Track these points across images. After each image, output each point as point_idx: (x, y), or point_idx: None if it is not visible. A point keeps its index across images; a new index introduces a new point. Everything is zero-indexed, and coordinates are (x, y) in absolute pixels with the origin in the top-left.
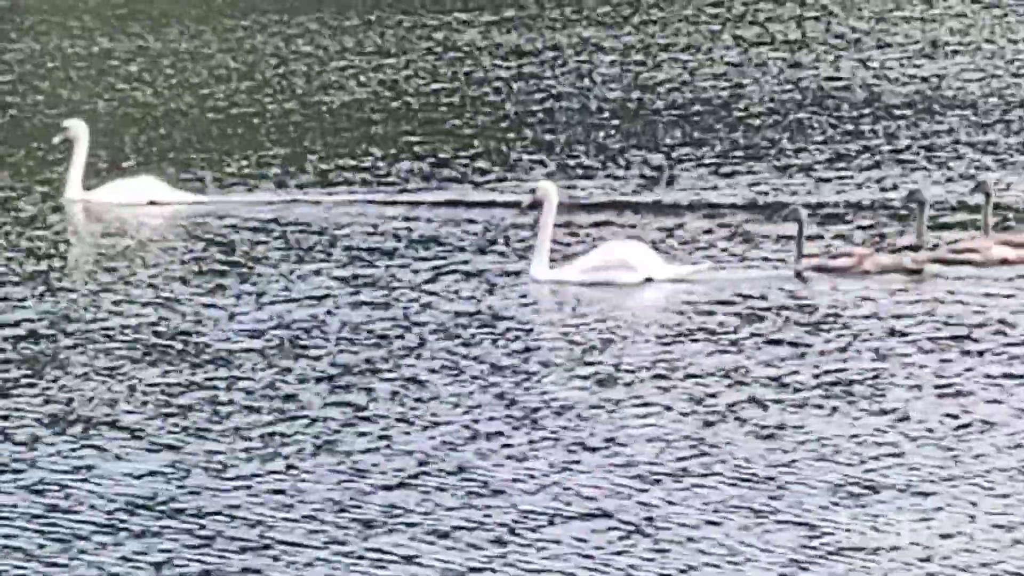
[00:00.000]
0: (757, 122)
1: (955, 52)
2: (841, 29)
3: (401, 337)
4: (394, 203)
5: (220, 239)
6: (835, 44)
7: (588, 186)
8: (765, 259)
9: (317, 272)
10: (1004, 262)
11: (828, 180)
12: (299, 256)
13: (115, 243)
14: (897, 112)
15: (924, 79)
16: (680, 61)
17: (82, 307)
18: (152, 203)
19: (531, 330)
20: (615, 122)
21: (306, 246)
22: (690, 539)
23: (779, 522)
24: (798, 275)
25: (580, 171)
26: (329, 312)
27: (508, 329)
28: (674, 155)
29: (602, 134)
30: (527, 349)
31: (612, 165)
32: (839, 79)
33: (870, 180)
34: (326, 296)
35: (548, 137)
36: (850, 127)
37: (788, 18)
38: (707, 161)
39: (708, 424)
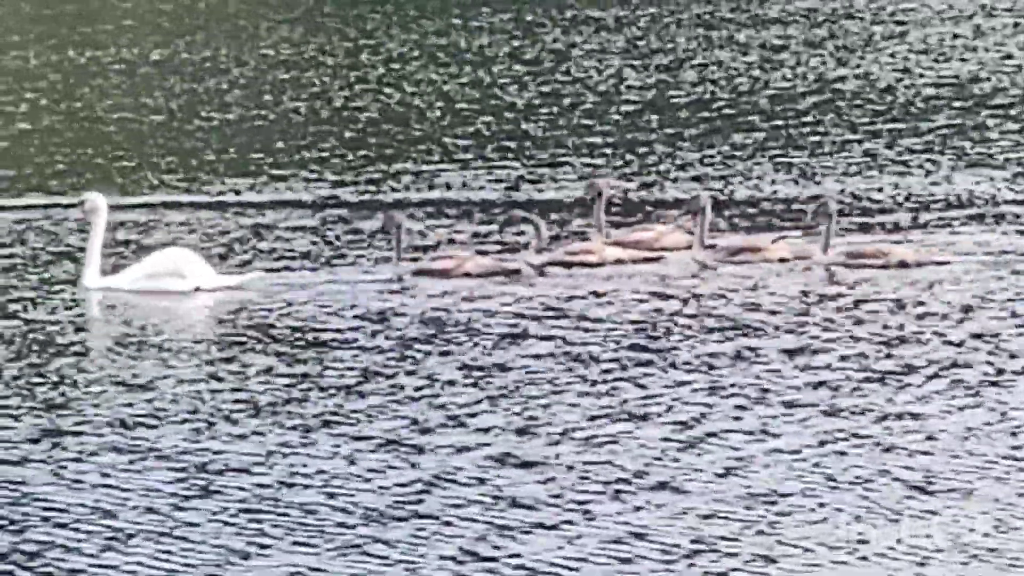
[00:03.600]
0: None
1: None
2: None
3: None
4: None
5: None
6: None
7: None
8: (373, 262)
9: None
10: (619, 262)
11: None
12: None
13: None
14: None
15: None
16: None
17: None
18: None
19: (78, 339)
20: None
21: None
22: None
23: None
24: (398, 279)
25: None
26: None
27: (56, 338)
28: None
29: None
30: (74, 357)
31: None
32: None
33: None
34: None
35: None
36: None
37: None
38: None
39: (241, 437)
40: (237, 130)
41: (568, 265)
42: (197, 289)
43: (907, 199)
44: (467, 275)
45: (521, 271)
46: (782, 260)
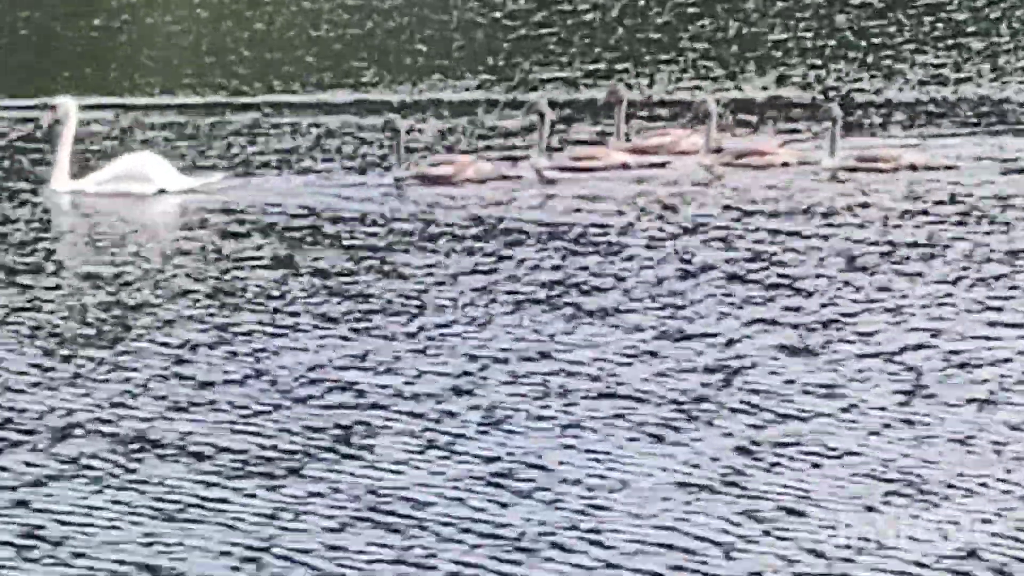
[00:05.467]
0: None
1: None
2: None
3: None
4: None
5: None
6: None
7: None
8: (372, 168)
9: None
10: (625, 167)
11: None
12: None
13: None
14: None
15: None
16: None
17: None
18: None
19: (46, 238)
20: None
21: None
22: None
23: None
24: (397, 184)
25: None
26: None
27: (23, 240)
28: None
29: None
30: (44, 257)
31: None
32: None
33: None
34: None
35: None
36: None
37: None
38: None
39: (204, 346)
40: (421, 35)
41: (572, 170)
42: (161, 192)
43: None
44: (468, 181)
45: (523, 177)
46: (785, 164)
